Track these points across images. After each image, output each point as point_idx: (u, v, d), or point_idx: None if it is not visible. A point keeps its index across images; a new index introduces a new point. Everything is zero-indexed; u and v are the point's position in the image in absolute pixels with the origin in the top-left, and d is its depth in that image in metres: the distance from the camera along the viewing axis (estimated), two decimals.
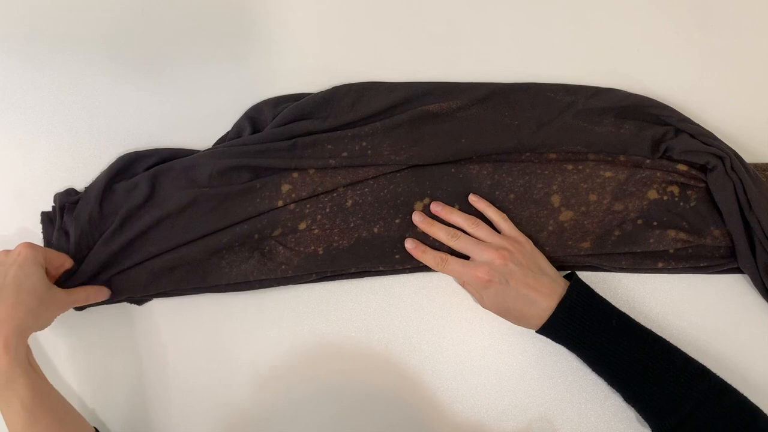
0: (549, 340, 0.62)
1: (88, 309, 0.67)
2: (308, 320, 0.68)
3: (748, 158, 0.66)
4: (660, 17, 0.70)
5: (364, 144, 0.66)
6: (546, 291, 0.59)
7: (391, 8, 0.71)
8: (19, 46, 0.70)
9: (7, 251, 0.61)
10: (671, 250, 0.65)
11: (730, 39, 0.70)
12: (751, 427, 0.55)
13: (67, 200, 0.67)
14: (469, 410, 0.67)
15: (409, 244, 0.65)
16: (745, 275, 0.65)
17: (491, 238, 0.62)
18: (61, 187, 0.69)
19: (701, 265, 0.66)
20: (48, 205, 0.69)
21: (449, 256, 0.63)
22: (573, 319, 0.59)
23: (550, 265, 0.63)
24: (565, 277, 0.64)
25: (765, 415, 0.56)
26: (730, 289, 0.67)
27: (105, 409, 0.68)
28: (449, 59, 0.70)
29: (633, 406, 0.61)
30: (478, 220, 0.64)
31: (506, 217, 0.64)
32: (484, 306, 0.64)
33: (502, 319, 0.65)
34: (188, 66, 0.70)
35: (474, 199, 0.65)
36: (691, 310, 0.67)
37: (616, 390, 0.61)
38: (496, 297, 0.61)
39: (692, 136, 0.65)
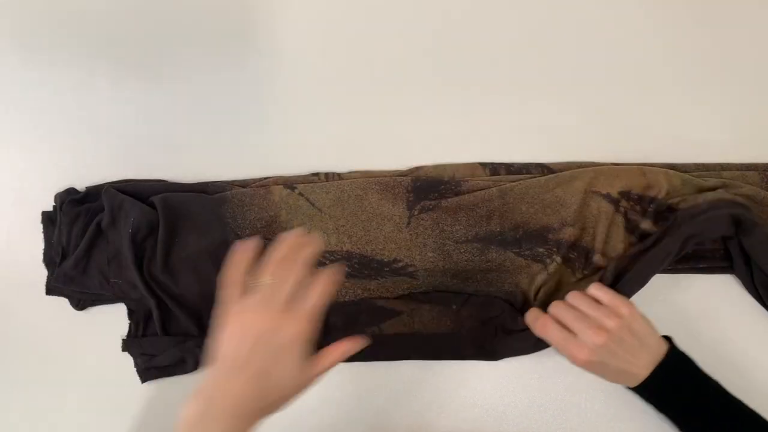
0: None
1: (88, 309, 0.68)
2: None
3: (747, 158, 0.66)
4: (658, 15, 0.70)
5: None
6: (643, 365, 0.59)
7: (392, 8, 0.70)
8: (19, 46, 0.70)
9: (286, 297, 0.51)
10: None
11: (730, 37, 0.70)
12: None
13: (67, 199, 0.67)
14: (469, 410, 0.66)
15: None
16: None
17: (593, 311, 0.60)
18: (61, 187, 0.68)
19: (701, 266, 0.66)
20: (48, 205, 0.69)
21: (551, 322, 0.60)
22: (666, 388, 0.60)
23: (649, 328, 0.61)
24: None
25: None
26: (730, 289, 0.67)
27: (104, 409, 0.68)
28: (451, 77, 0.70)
29: None
30: (577, 292, 0.62)
31: (601, 285, 0.62)
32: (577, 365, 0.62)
33: None
34: (188, 66, 0.70)
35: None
36: (692, 309, 0.67)
37: None
38: (597, 371, 0.61)
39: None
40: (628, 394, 0.64)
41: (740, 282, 0.66)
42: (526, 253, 0.66)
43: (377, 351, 0.65)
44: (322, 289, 0.53)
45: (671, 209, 0.64)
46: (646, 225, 0.65)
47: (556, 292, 0.66)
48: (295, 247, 0.54)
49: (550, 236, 0.65)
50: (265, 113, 0.70)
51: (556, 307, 0.61)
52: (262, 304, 0.52)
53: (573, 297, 0.62)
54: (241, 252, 0.54)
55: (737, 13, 0.70)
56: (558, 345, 0.60)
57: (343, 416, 0.66)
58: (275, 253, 0.54)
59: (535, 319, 0.62)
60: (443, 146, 0.69)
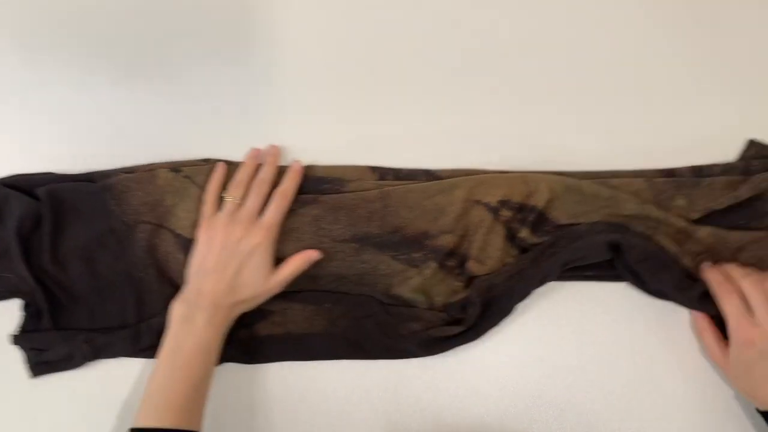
0: (549, 338, 0.64)
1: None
2: None
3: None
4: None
5: None
6: None
7: (392, 8, 0.72)
8: (19, 46, 0.71)
9: (247, 213, 0.63)
10: None
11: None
12: None
13: None
14: (469, 410, 0.65)
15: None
16: None
17: None
18: None
19: (588, 273, 0.65)
20: None
21: (736, 292, 0.59)
22: None
23: None
24: None
25: None
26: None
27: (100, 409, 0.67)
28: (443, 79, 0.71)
29: None
30: None
31: None
32: (718, 357, 0.61)
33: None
34: (188, 66, 0.71)
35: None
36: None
37: None
38: (745, 363, 0.58)
39: None
40: (627, 394, 0.64)
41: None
42: (402, 257, 0.65)
43: (250, 353, 0.65)
44: (277, 204, 0.63)
45: (551, 222, 0.64)
46: (524, 234, 0.63)
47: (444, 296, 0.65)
48: (254, 169, 0.66)
49: (427, 242, 0.65)
50: (264, 112, 0.71)
51: (745, 281, 0.59)
52: (226, 219, 0.63)
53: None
54: (217, 173, 0.66)
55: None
56: (733, 314, 0.58)
57: (341, 415, 0.65)
58: (238, 174, 0.65)
59: (720, 284, 0.60)
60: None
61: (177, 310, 0.61)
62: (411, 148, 0.69)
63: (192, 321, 0.59)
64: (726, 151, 0.67)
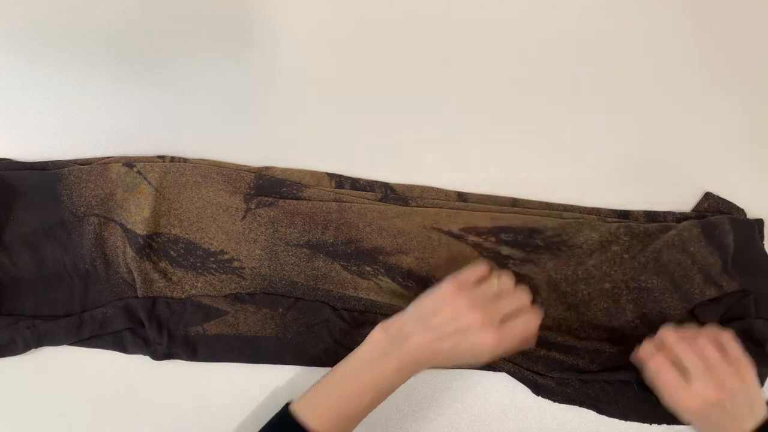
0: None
1: None
2: None
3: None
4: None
5: None
6: (745, 429, 0.57)
7: (392, 10, 0.71)
8: (19, 46, 0.70)
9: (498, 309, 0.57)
10: None
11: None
12: None
13: None
14: (469, 410, 0.66)
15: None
16: None
17: (721, 364, 0.57)
18: None
19: None
20: None
21: (668, 365, 0.58)
22: None
23: (762, 397, 0.59)
24: None
25: None
26: None
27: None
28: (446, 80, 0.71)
29: None
30: (708, 333, 0.60)
31: (733, 336, 0.60)
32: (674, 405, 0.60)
33: None
34: (188, 66, 0.71)
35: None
36: None
37: None
38: (691, 420, 0.59)
39: None
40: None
41: None
42: (353, 268, 0.66)
43: (197, 351, 0.66)
44: (527, 320, 0.57)
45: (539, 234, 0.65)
46: (506, 251, 0.65)
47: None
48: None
49: (381, 258, 0.66)
50: (265, 111, 0.71)
51: (678, 345, 0.59)
52: (481, 302, 0.56)
53: (703, 339, 0.59)
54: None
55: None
56: (668, 390, 0.58)
57: None
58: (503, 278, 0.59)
59: (650, 356, 0.59)
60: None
61: (377, 335, 0.58)
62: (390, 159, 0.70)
63: (382, 358, 0.57)
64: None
